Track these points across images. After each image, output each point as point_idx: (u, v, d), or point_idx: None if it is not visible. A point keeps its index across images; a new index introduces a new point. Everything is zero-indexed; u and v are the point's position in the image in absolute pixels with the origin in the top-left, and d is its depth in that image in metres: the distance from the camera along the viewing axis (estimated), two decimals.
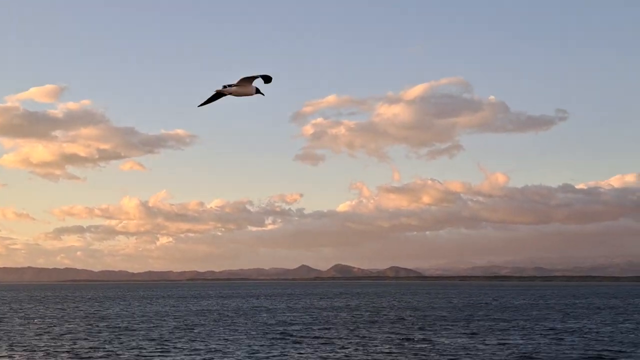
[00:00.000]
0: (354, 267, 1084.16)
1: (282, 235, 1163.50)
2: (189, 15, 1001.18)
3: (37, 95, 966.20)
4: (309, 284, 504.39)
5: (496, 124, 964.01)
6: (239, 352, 46.32)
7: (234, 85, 19.36)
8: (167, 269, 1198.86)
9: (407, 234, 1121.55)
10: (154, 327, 69.89)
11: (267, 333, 61.09)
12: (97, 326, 71.57)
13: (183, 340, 55.16)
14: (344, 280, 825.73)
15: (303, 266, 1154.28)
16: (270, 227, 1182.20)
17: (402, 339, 55.62)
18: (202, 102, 20.03)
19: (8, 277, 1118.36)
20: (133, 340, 55.42)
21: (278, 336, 58.00)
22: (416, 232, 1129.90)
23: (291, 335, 58.43)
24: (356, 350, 47.34)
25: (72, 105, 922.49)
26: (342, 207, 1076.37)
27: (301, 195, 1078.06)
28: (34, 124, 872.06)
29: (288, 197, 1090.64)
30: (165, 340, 54.77)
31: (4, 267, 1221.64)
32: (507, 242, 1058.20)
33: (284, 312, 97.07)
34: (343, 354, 45.11)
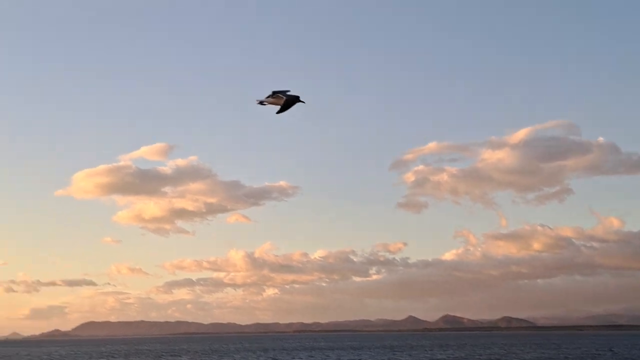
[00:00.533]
0: (463, 318, 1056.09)
1: (387, 285, 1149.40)
2: (290, 76, 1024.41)
3: (147, 153, 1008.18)
4: (417, 336, 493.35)
5: (607, 166, 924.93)
6: None
7: (270, 97, 22.65)
8: (274, 320, 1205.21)
9: (518, 282, 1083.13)
10: None
11: None
12: None
13: None
14: (454, 331, 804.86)
15: (410, 317, 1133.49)
16: (374, 277, 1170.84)
17: None
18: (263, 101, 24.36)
19: (123, 331, 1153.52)
20: None
21: None
22: (527, 280, 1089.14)
23: None
24: None
25: (180, 161, 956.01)
26: (448, 255, 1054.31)
27: (405, 244, 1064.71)
28: (145, 181, 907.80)
29: (391, 246, 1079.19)
30: None
31: (119, 322, 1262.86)
32: (624, 289, 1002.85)
33: None
34: None
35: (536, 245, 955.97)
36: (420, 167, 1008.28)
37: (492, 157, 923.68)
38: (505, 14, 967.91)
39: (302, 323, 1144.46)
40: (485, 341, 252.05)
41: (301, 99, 21.78)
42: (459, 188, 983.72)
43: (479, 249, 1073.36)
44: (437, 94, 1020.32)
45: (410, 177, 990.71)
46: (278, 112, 21.21)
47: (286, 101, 21.25)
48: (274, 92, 21.86)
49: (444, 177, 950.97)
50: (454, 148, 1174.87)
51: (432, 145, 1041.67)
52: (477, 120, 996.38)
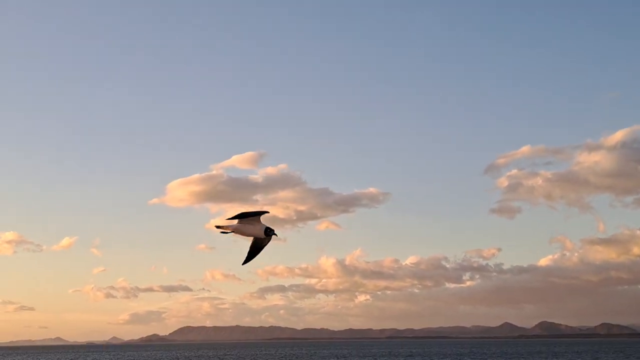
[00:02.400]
0: (561, 325, 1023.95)
1: (481, 291, 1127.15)
2: (382, 79, 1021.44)
3: (238, 162, 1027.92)
4: (512, 343, 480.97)
5: None
6: None
7: (232, 224, 15.37)
8: (367, 326, 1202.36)
9: (617, 288, 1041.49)
10: None
11: None
12: None
13: None
14: (551, 338, 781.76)
15: (506, 323, 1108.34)
16: (468, 283, 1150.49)
17: None
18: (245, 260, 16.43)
19: (218, 336, 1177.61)
20: None
21: None
22: (627, 285, 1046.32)
23: None
24: None
25: (270, 170, 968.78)
26: (544, 261, 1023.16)
27: (499, 249, 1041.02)
28: (236, 189, 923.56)
29: (485, 252, 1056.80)
30: None
31: (215, 326, 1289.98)
32: None
33: None
34: None
35: (636, 250, 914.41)
36: (514, 171, 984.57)
37: (588, 160, 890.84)
38: (599, 14, 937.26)
39: (395, 329, 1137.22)
40: (584, 348, 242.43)
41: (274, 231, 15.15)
42: (554, 192, 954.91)
43: (576, 254, 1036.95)
44: (530, 96, 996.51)
45: (503, 182, 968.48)
46: (244, 263, 15.42)
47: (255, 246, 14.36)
48: (242, 214, 14.95)
49: (538, 181, 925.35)
50: (548, 151, 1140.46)
51: (525, 149, 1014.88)
52: (572, 122, 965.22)
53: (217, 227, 15.52)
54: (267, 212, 14.95)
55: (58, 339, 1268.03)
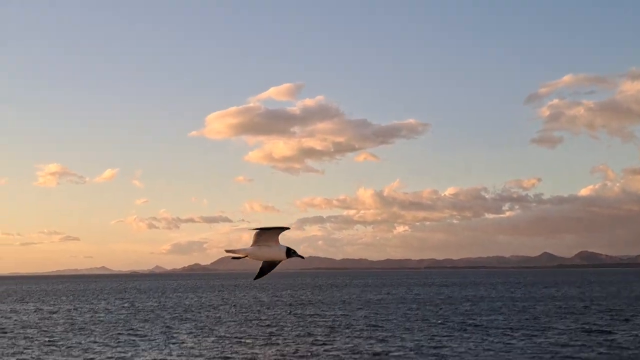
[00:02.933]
0: (601, 254, 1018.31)
1: (520, 222, 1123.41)
2: (421, 10, 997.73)
3: (276, 94, 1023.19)
4: (551, 272, 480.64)
5: None
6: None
7: (246, 249, 12.78)
8: (405, 257, 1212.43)
9: None
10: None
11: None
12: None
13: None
14: (591, 267, 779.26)
15: (545, 253, 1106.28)
16: (507, 213, 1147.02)
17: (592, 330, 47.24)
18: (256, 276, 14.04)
19: (258, 266, 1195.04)
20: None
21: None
22: None
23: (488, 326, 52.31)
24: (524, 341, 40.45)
25: (308, 101, 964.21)
26: (584, 191, 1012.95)
27: (539, 180, 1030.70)
28: (274, 121, 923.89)
29: (525, 183, 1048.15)
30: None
31: None
32: None
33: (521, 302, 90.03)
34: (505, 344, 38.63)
35: None
36: (555, 101, 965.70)
37: (632, 88, 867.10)
38: None
39: (434, 259, 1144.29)
40: (624, 278, 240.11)
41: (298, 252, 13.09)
42: (595, 122, 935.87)
43: (618, 184, 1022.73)
44: (572, 23, 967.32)
45: (544, 111, 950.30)
46: (256, 278, 13.49)
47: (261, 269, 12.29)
48: (259, 230, 12.63)
49: (580, 110, 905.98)
50: (591, 80, 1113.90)
51: (567, 78, 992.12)
52: (616, 50, 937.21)
53: (228, 251, 13.58)
54: (288, 228, 12.60)
55: (103, 268, 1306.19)
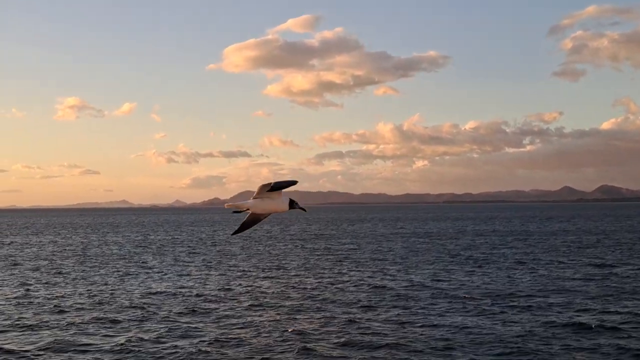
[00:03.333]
0: (622, 188, 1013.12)
1: (541, 155, 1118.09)
2: None
3: (294, 25, 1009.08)
4: (571, 206, 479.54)
5: None
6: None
7: (253, 198, 12.38)
8: (424, 191, 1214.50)
9: None
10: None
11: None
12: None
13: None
14: (612, 202, 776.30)
15: (565, 187, 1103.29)
16: (528, 147, 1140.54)
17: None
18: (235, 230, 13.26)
19: None
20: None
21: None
22: None
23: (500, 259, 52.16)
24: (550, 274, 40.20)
25: (327, 33, 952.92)
26: (606, 124, 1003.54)
27: (560, 113, 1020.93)
28: (292, 54, 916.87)
29: (546, 116, 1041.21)
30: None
31: None
32: None
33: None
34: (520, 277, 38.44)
35: None
36: (579, 32, 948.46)
37: None
38: None
39: (453, 194, 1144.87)
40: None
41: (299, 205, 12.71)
42: (619, 54, 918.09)
43: None
44: None
45: (567, 43, 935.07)
46: (233, 233, 12.95)
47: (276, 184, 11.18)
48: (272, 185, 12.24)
49: (604, 42, 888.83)
50: (615, 11, 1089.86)
51: (591, 9, 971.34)
52: None
53: (228, 206, 13.03)
54: (297, 181, 12.24)
55: (123, 201, 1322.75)
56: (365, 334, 25.25)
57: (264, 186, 12.01)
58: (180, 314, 29.71)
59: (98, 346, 23.87)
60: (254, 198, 12.44)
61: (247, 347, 23.71)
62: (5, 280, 42.80)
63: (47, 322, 28.01)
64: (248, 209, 12.73)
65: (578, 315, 28.41)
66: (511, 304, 31.48)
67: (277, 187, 12.06)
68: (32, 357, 22.71)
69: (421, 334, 25.07)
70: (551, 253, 59.55)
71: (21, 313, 30.10)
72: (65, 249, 71.95)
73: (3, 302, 33.21)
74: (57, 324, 27.69)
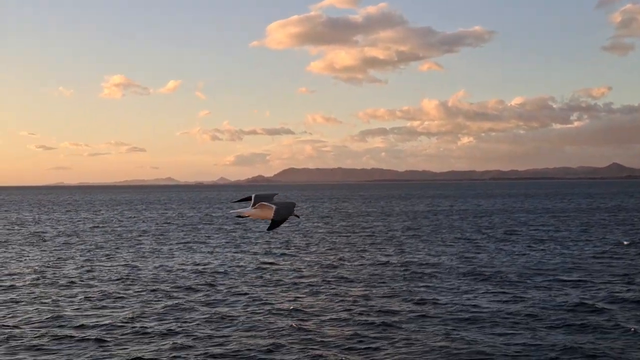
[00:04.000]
0: None
1: (588, 132, 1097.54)
2: None
3: (337, 1, 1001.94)
4: (619, 183, 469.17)
5: None
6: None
7: (252, 208, 14.70)
8: (470, 168, 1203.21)
9: None
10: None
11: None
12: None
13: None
14: None
15: (614, 164, 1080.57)
16: (575, 123, 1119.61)
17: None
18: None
19: (320, 178, 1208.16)
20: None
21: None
22: None
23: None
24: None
25: (370, 9, 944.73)
26: None
27: (609, 88, 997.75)
28: (336, 30, 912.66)
29: (594, 92, 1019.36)
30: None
31: (317, 168, 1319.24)
32: None
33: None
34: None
35: None
36: (628, 5, 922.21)
37: None
38: None
39: (499, 171, 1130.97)
40: None
41: (296, 211, 14.64)
42: None
43: None
44: None
45: (616, 17, 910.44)
46: (269, 229, 14.37)
47: (274, 221, 13.83)
48: (257, 198, 14.80)
49: None
50: None
51: None
52: None
53: (233, 212, 15.42)
54: (277, 193, 14.94)
55: (169, 179, 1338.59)
56: (388, 311, 24.47)
57: (261, 204, 14.53)
58: (192, 290, 29.36)
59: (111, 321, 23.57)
60: (253, 208, 14.80)
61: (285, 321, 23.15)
62: (33, 255, 43.16)
63: (64, 296, 27.87)
64: (249, 215, 14.91)
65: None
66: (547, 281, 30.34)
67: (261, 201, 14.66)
68: (33, 330, 22.49)
69: (450, 308, 24.21)
70: (583, 230, 57.81)
71: (37, 288, 30.09)
72: (98, 226, 72.71)
73: (27, 278, 33.32)
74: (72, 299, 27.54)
